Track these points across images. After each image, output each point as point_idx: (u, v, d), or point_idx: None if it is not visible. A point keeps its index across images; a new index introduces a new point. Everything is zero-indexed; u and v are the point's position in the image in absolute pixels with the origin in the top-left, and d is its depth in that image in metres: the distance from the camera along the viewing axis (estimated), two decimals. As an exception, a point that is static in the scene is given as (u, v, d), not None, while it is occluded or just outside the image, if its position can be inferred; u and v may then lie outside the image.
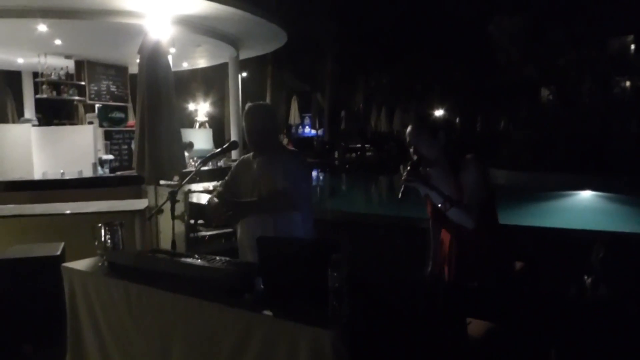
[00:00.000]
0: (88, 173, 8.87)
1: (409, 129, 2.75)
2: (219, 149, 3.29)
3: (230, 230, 5.24)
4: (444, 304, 2.21)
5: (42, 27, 8.10)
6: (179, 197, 3.51)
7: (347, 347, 1.84)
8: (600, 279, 2.96)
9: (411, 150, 2.72)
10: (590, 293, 2.97)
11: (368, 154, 27.51)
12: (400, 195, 2.59)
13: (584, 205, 10.54)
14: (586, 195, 10.95)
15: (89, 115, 11.33)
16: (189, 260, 2.58)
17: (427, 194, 2.70)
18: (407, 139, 2.74)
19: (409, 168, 2.62)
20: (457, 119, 33.58)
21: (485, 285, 2.55)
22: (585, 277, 3.01)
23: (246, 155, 3.20)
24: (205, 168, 8.70)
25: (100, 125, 10.75)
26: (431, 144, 2.66)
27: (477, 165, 2.58)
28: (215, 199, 3.03)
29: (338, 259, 1.93)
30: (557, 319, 2.81)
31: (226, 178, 3.23)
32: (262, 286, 2.24)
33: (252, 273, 2.29)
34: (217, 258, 2.58)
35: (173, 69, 5.15)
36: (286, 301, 2.11)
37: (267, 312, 2.09)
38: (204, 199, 5.38)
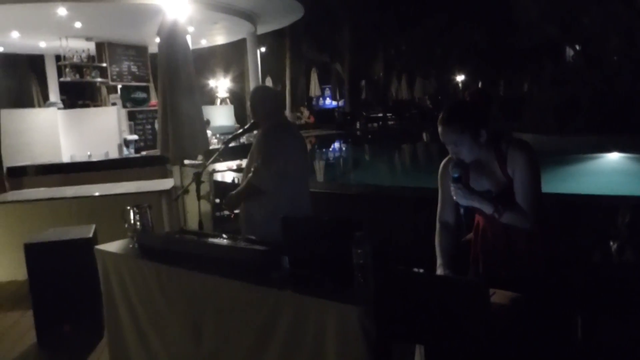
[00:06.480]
0: (114, 154, 9.04)
1: (440, 129, 2.21)
2: (240, 130, 3.35)
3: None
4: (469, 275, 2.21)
5: (62, 11, 8.17)
6: (204, 177, 3.59)
7: (374, 322, 1.88)
8: (627, 244, 2.94)
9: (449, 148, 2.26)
10: (617, 258, 2.96)
11: (390, 122, 27.29)
12: (462, 213, 2.35)
13: (610, 167, 10.33)
14: (613, 157, 10.72)
15: (112, 96, 11.46)
16: (216, 240, 2.65)
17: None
18: (442, 138, 2.25)
19: (453, 185, 2.23)
20: (479, 83, 33.04)
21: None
22: (611, 242, 3.00)
23: None
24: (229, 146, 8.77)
25: (124, 106, 10.90)
26: (472, 145, 2.20)
27: (526, 157, 2.20)
28: None
29: (361, 236, 1.97)
30: (582, 285, 2.82)
31: None
32: (287, 265, 2.29)
33: (277, 252, 2.35)
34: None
35: (192, 47, 5.17)
36: (313, 279, 2.16)
37: (295, 290, 2.14)
38: (228, 177, 5.44)
